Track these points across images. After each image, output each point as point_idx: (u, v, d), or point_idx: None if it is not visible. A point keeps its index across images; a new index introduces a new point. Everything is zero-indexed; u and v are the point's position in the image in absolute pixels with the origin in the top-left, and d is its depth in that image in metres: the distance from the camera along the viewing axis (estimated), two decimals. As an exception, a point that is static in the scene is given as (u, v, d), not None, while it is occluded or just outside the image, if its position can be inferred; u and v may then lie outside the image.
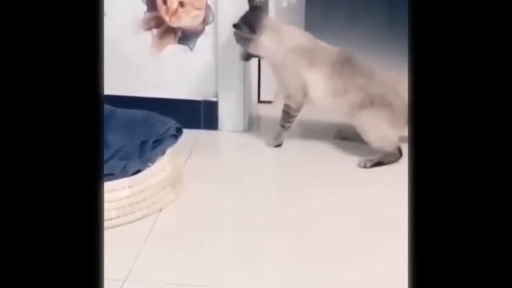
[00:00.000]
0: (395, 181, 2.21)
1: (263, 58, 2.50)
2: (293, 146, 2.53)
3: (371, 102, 2.33)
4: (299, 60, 2.38)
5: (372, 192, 2.24)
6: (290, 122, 2.49)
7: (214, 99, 2.63)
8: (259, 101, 2.73)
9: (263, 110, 2.71)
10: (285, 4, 2.91)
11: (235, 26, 2.37)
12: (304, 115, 2.52)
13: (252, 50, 2.42)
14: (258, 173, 2.40)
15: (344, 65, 2.36)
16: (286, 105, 2.47)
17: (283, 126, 2.49)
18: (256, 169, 2.44)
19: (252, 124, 2.69)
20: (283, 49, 2.38)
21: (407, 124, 2.27)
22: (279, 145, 2.49)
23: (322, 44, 2.44)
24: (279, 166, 2.46)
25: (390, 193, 2.20)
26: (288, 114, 2.47)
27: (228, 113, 2.63)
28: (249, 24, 2.36)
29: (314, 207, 2.14)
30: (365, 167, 2.35)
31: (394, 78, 2.40)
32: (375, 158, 2.36)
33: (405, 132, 2.33)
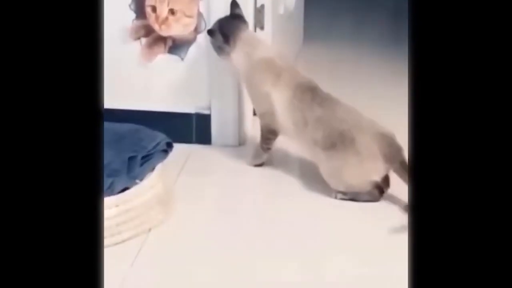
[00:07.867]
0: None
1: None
2: (290, 164, 2.45)
3: (333, 143, 2.16)
4: (264, 75, 2.30)
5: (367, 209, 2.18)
6: (267, 144, 2.39)
7: (207, 112, 2.58)
8: (255, 114, 2.64)
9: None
10: (281, 11, 2.85)
11: (209, 32, 2.35)
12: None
13: (225, 59, 2.39)
14: (254, 192, 2.34)
15: (305, 92, 2.25)
16: (260, 125, 2.41)
17: (262, 147, 2.41)
18: (251, 187, 2.37)
19: (247, 139, 2.63)
20: (251, 62, 2.33)
21: (377, 161, 2.13)
22: (259, 165, 2.42)
23: (293, 67, 2.36)
24: (275, 184, 2.36)
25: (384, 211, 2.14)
26: (262, 134, 2.40)
27: (222, 126, 2.57)
28: (224, 34, 2.33)
29: (311, 227, 2.08)
30: (335, 197, 2.21)
31: (358, 112, 2.23)
32: (347, 194, 2.20)
33: (374, 174, 2.16)
